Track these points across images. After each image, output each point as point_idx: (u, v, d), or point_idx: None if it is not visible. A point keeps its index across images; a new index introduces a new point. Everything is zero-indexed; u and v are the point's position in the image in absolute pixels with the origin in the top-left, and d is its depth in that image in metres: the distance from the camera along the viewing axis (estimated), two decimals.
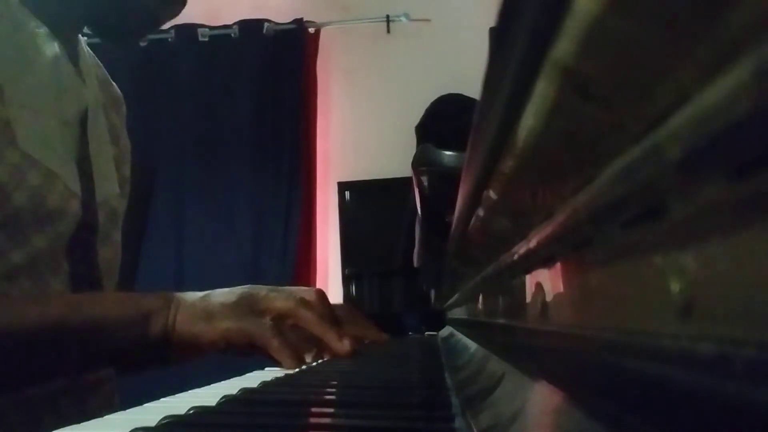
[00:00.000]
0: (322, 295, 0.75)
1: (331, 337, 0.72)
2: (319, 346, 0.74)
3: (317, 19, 2.92)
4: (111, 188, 0.82)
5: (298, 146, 2.85)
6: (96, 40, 0.82)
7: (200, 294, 0.71)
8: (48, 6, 0.75)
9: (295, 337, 0.70)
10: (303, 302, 0.71)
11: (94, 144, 0.79)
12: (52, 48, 0.74)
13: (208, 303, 0.70)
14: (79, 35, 0.82)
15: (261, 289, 0.72)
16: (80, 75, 0.79)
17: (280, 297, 0.71)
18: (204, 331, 0.68)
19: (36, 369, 0.69)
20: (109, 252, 0.81)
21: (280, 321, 0.70)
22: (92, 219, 0.77)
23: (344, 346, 0.72)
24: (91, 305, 0.69)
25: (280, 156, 2.84)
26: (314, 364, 0.73)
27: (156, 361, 0.71)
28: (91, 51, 0.86)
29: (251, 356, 0.71)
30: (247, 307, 0.70)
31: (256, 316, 0.69)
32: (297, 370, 0.68)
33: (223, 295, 0.71)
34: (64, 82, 0.76)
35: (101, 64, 0.88)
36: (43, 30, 0.74)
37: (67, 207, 0.72)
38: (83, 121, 0.78)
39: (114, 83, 0.91)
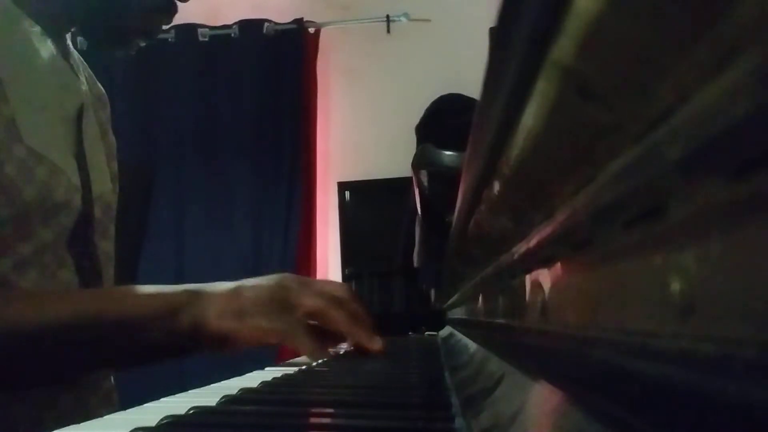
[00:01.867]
0: (351, 293, 0.76)
1: (362, 337, 0.73)
2: (351, 342, 0.75)
3: (317, 19, 2.91)
4: (105, 183, 0.83)
5: (298, 146, 2.84)
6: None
7: (230, 286, 0.71)
8: (42, 6, 0.75)
9: (321, 331, 0.72)
10: (334, 301, 0.72)
11: (88, 139, 0.79)
12: (48, 46, 0.75)
13: (239, 298, 0.69)
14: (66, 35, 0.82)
15: (291, 283, 0.72)
16: (75, 71, 0.80)
17: (310, 294, 0.72)
18: (236, 328, 0.69)
19: (64, 365, 0.70)
20: (108, 245, 0.82)
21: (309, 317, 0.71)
22: (90, 213, 0.77)
23: (376, 344, 0.73)
24: (119, 300, 0.70)
25: (280, 156, 2.84)
26: (314, 364, 0.73)
27: (183, 354, 0.72)
28: (75, 51, 0.86)
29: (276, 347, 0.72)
30: (278, 304, 0.70)
31: (287, 313, 0.70)
32: (297, 370, 0.68)
33: (254, 289, 0.70)
34: (62, 78, 0.77)
35: (85, 63, 0.88)
36: (37, 29, 0.74)
37: (71, 201, 0.73)
38: (79, 117, 0.78)
39: (98, 82, 0.91)
